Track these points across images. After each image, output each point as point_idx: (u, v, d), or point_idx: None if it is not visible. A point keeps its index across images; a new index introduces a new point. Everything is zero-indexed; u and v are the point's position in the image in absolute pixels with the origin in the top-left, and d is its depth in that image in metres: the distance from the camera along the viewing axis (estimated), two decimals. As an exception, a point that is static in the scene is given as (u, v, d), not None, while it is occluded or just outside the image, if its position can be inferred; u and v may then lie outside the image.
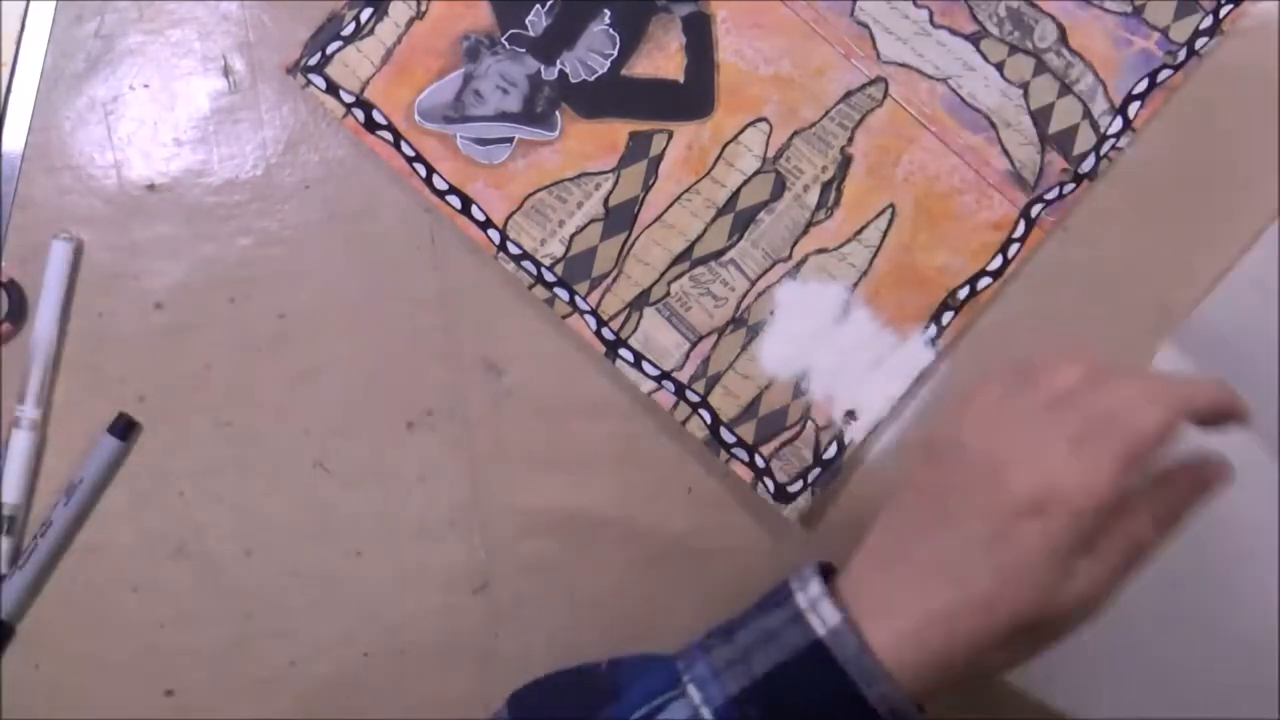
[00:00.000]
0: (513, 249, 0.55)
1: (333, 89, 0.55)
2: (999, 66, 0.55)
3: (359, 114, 0.55)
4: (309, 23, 0.56)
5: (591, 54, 0.55)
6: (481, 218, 0.55)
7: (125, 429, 0.54)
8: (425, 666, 0.55)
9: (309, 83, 0.55)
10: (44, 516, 0.54)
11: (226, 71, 0.56)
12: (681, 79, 0.55)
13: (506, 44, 0.55)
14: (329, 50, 0.55)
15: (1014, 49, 0.55)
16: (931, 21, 0.55)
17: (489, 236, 0.55)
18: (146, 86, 0.56)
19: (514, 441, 0.55)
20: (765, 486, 0.54)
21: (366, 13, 0.55)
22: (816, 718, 0.39)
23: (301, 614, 0.55)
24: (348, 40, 0.55)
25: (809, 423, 0.54)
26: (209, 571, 0.55)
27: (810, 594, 0.41)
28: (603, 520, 0.55)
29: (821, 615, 0.40)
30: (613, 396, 0.55)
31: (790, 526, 0.54)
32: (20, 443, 0.54)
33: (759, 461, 0.54)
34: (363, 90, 0.55)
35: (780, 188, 0.55)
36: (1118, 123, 0.55)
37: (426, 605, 0.55)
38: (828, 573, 0.42)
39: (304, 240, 0.56)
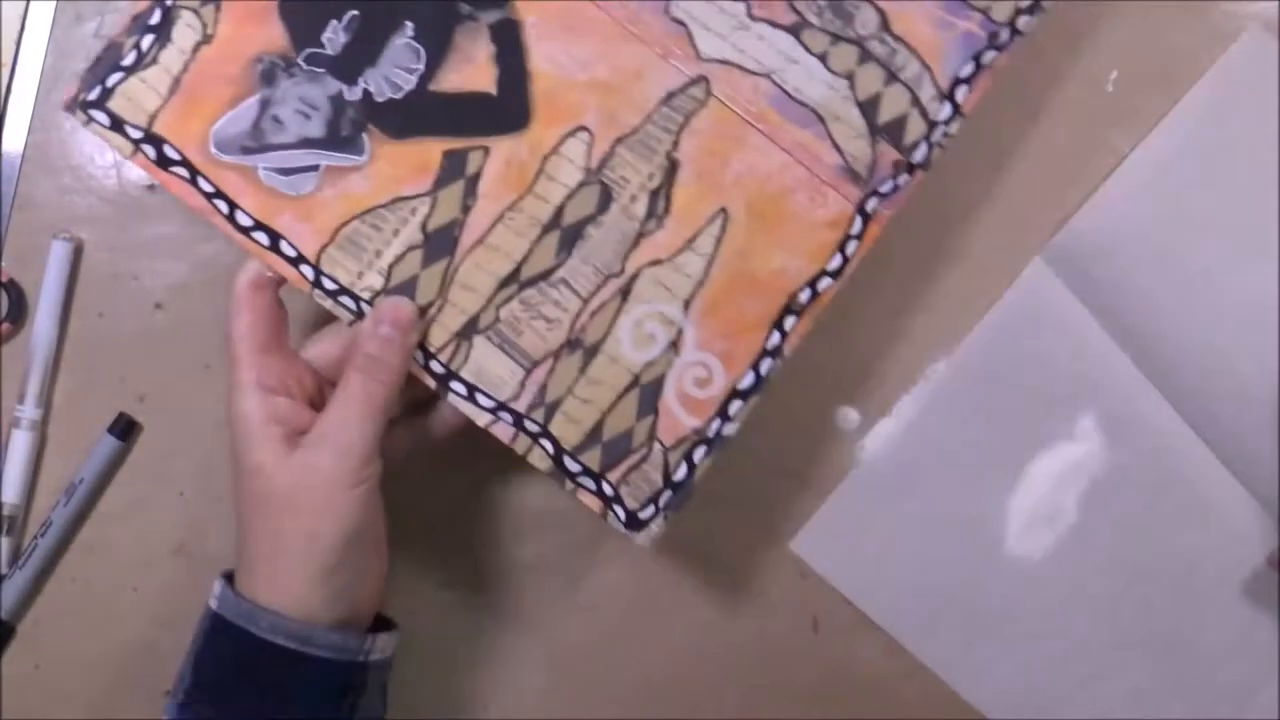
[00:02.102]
0: (329, 284, 0.51)
1: (117, 125, 0.51)
2: (822, 58, 0.53)
3: (149, 150, 0.51)
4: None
5: (396, 70, 0.52)
6: (293, 253, 0.51)
7: (125, 429, 0.55)
8: (426, 666, 0.56)
9: (90, 119, 0.51)
10: (44, 516, 0.55)
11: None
12: (494, 91, 0.52)
13: (304, 65, 0.52)
14: (110, 83, 0.51)
15: (836, 38, 0.53)
16: (750, 15, 0.53)
17: (302, 273, 0.51)
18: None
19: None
20: (616, 515, 0.52)
21: (148, 39, 0.51)
22: (246, 679, 0.46)
23: (301, 614, 0.55)
24: (129, 70, 0.51)
25: (656, 444, 0.52)
26: (209, 571, 0.53)
27: (214, 590, 0.48)
28: (603, 520, 0.53)
29: (214, 590, 0.48)
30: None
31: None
32: (20, 443, 0.54)
33: (607, 489, 0.52)
34: (150, 124, 0.51)
35: (606, 199, 0.52)
36: (946, 109, 0.53)
37: (426, 605, 0.56)
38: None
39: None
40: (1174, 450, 0.56)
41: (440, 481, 0.55)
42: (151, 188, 0.55)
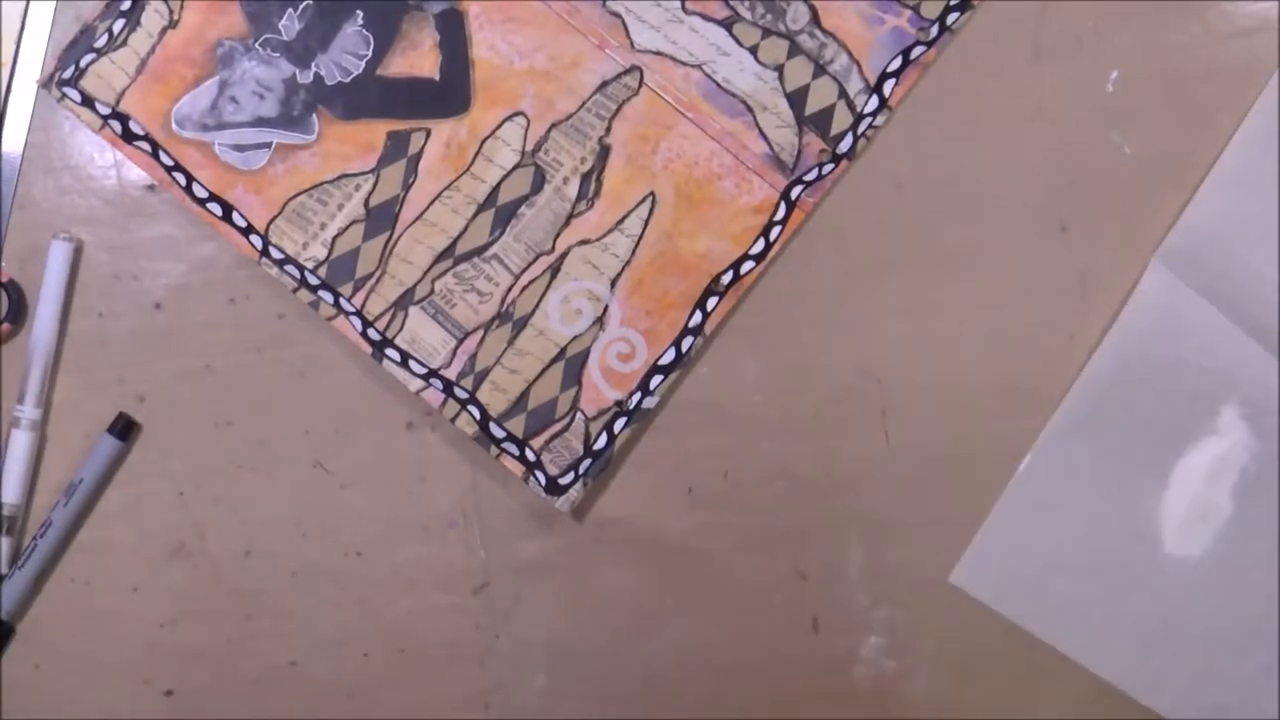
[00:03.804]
0: (275, 254, 0.55)
1: (88, 101, 0.55)
2: (753, 50, 0.55)
3: (115, 125, 0.55)
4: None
5: (346, 55, 0.55)
6: (243, 224, 0.55)
7: (125, 429, 0.55)
8: (425, 666, 0.56)
9: (64, 96, 0.55)
10: (44, 516, 0.55)
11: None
12: (437, 76, 0.55)
13: (261, 49, 0.55)
14: (83, 63, 0.55)
15: (767, 32, 0.55)
16: (683, 8, 0.55)
17: (251, 243, 0.55)
18: (149, 85, 0.56)
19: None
20: (537, 480, 0.54)
21: (119, 24, 0.55)
22: None
23: (301, 614, 0.55)
24: (101, 52, 0.55)
25: (578, 414, 0.54)
26: (209, 571, 0.55)
27: None
28: (603, 520, 0.55)
29: None
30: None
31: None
32: (20, 443, 0.54)
33: (529, 455, 0.54)
34: (118, 102, 0.55)
35: (540, 181, 0.55)
36: (873, 101, 0.55)
37: (426, 605, 0.56)
38: None
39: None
40: None
41: (439, 482, 0.56)
42: (151, 188, 0.56)
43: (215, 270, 0.56)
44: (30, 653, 0.55)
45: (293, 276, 0.54)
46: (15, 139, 0.56)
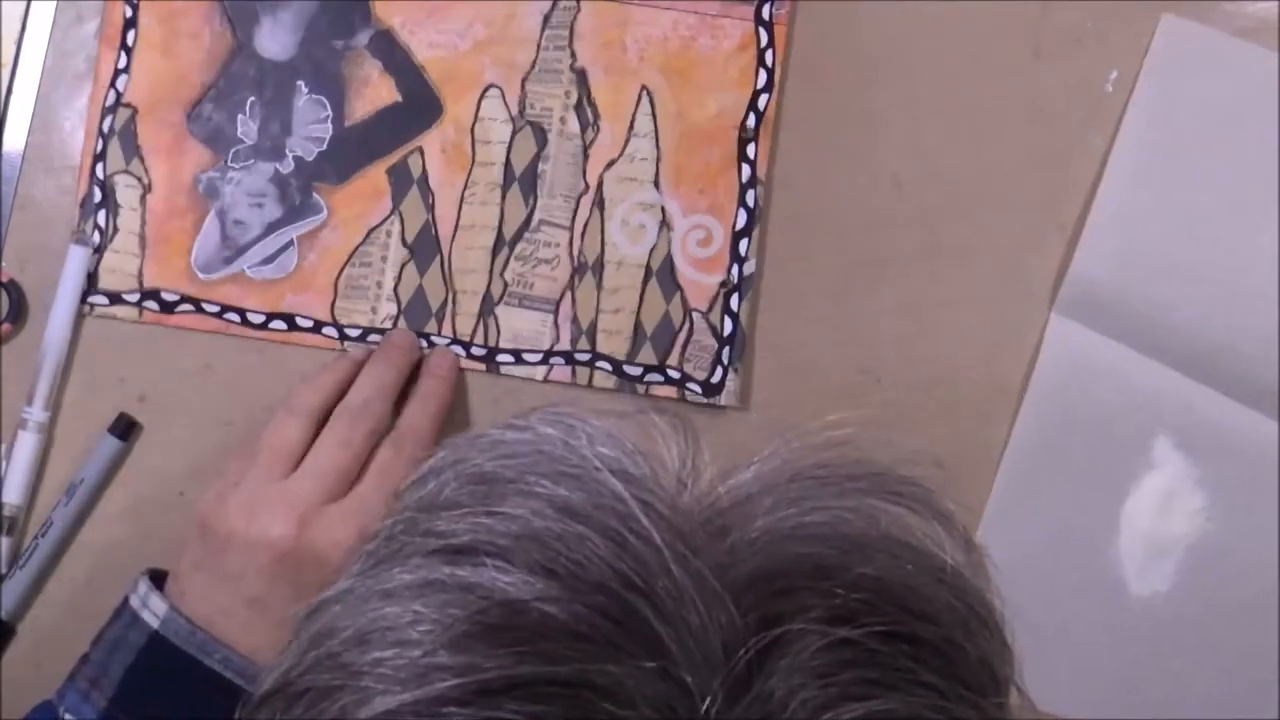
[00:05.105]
0: (353, 333, 0.55)
1: (115, 299, 0.55)
2: (657, -87, 0.55)
3: (151, 304, 0.55)
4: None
5: (311, 126, 0.55)
6: (310, 324, 0.55)
7: (125, 429, 0.54)
8: None
9: (93, 307, 0.55)
10: (44, 516, 0.54)
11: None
12: (400, 97, 0.55)
13: (235, 166, 0.55)
14: (90, 269, 0.55)
15: (660, -110, 0.55)
16: (576, -88, 0.55)
17: (326, 335, 0.55)
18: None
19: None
20: (692, 390, 0.54)
21: (101, 215, 0.55)
22: (182, 702, 0.47)
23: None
24: (100, 249, 0.55)
25: (693, 314, 0.55)
26: None
27: (140, 594, 0.48)
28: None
29: (153, 609, 0.47)
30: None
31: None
32: (26, 444, 0.54)
33: (673, 374, 0.54)
34: (141, 283, 0.55)
35: (542, 135, 0.55)
36: (787, -105, 0.55)
37: None
38: (160, 577, 0.49)
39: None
40: (1252, 439, 0.55)
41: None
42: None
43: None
44: (30, 653, 0.55)
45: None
46: (16, 139, 0.55)
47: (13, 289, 0.55)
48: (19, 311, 0.55)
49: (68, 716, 0.47)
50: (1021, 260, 0.56)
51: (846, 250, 0.56)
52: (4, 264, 0.55)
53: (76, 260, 0.54)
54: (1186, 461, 0.56)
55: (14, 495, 0.54)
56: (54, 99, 0.56)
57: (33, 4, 0.55)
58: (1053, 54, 0.56)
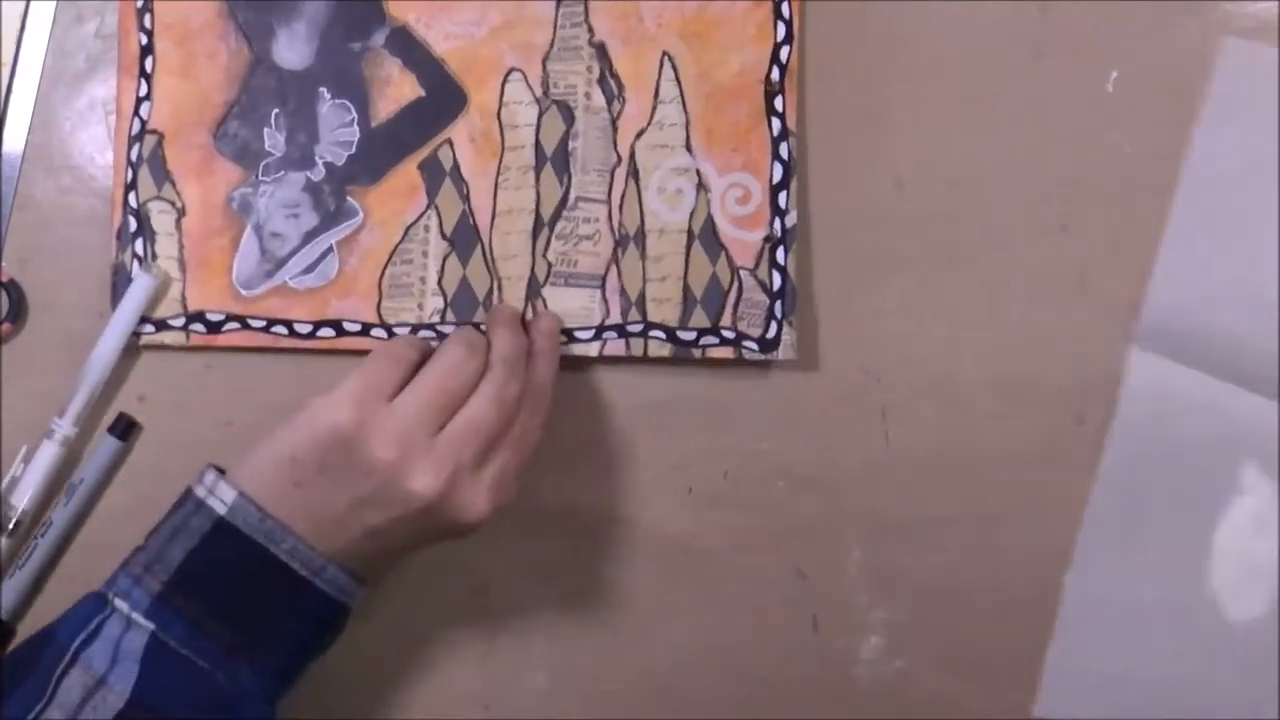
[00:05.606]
0: (401, 332, 0.55)
1: (161, 326, 0.55)
2: (657, -120, 0.55)
3: (199, 327, 0.55)
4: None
5: (338, 131, 0.55)
6: (358, 328, 0.55)
7: (125, 429, 0.55)
8: (425, 666, 0.56)
9: (139, 335, 0.55)
10: (44, 516, 0.54)
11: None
12: (423, 92, 0.55)
13: (266, 179, 0.55)
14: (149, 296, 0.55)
15: None
16: (577, -111, 0.55)
17: (375, 338, 0.55)
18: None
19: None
20: (749, 349, 0.54)
21: (139, 243, 0.55)
22: (242, 589, 0.46)
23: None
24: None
25: (740, 272, 0.54)
26: None
27: (207, 483, 0.47)
28: (603, 520, 0.56)
29: (220, 496, 0.46)
30: (610, 398, 0.56)
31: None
32: (47, 454, 0.54)
33: (727, 335, 0.54)
34: (185, 306, 0.55)
35: (569, 112, 0.55)
36: None
37: (428, 605, 0.56)
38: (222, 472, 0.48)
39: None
40: None
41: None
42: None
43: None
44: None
45: (428, 339, 0.54)
46: (16, 139, 0.56)
47: (13, 289, 0.55)
48: (19, 311, 0.55)
49: (118, 601, 0.46)
50: (1022, 260, 0.56)
51: (847, 250, 0.56)
52: (4, 264, 0.55)
53: (141, 288, 0.54)
54: (1274, 485, 0.56)
55: (24, 499, 0.54)
56: (54, 99, 0.56)
57: (33, 4, 0.55)
58: (1053, 54, 0.56)
